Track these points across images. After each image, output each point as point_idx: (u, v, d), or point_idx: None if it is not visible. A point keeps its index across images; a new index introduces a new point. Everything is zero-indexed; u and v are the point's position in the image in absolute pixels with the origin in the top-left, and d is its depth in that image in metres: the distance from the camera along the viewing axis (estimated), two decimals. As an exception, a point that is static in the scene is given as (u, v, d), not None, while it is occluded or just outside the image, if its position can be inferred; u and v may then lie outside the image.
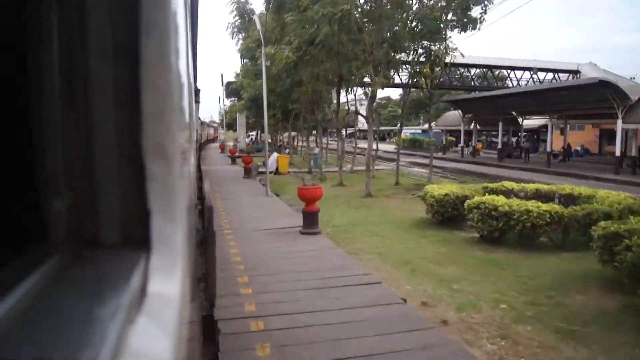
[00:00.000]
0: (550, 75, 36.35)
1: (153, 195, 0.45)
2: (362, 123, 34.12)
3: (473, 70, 36.70)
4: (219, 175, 17.14)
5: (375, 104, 17.08)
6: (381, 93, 31.06)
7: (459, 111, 32.59)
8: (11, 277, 0.35)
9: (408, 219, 9.79)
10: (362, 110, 21.25)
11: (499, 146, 30.89)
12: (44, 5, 0.43)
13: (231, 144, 37.70)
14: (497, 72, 37.15)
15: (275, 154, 19.87)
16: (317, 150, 22.19)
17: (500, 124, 31.09)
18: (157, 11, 0.46)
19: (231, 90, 33.35)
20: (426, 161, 22.21)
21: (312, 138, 32.92)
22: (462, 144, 35.14)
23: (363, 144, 35.21)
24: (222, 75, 32.57)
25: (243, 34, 24.47)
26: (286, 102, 21.21)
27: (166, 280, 0.44)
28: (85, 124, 0.44)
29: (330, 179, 17.01)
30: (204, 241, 3.73)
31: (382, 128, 68.26)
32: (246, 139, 50.63)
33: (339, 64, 13.87)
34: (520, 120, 31.64)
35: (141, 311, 0.38)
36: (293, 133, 38.26)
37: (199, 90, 9.61)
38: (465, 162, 28.66)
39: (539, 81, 36.30)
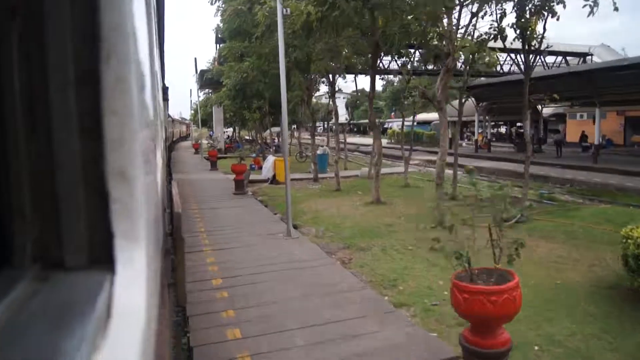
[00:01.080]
0: (556, 61, 35.83)
1: (116, 218, 0.56)
2: (341, 116, 33.58)
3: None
4: (199, 190, 15.15)
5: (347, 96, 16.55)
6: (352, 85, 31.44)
7: (472, 99, 31.54)
8: None
9: (570, 285, 6.28)
10: (340, 103, 20.89)
11: (515, 138, 31.18)
12: (4, 39, 0.52)
13: (205, 142, 37.95)
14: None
15: (271, 158, 18.20)
16: (322, 150, 20.65)
17: (528, 113, 31.00)
18: (117, 37, 0.56)
19: (206, 80, 32.45)
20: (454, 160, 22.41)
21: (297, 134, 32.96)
22: (475, 136, 35.49)
23: (350, 139, 34.53)
24: (195, 60, 32.29)
25: None
26: (279, 90, 20.69)
27: (131, 301, 0.54)
28: (48, 151, 0.54)
29: (347, 188, 15.38)
30: (174, 247, 4.14)
31: (361, 121, 70.10)
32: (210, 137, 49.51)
33: (385, 22, 11.37)
34: (540, 108, 31.19)
35: (107, 336, 0.47)
36: (275, 129, 37.70)
37: (167, 88, 10.56)
38: (485, 157, 27.96)
39: (547, 66, 35.74)
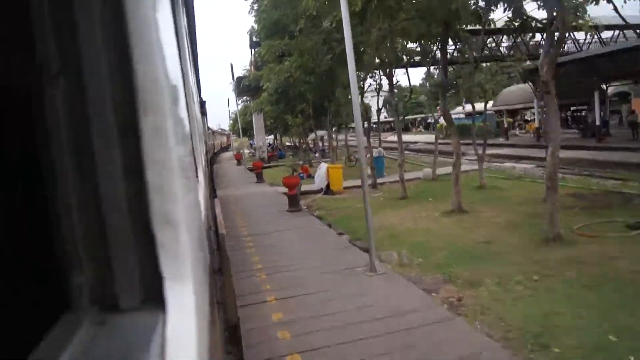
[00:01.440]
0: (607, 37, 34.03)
1: (164, 260, 0.60)
2: (381, 115, 32.13)
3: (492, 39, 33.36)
4: (247, 208, 13.38)
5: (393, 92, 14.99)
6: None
7: (530, 84, 29.42)
8: (47, 355, 0.50)
9: None
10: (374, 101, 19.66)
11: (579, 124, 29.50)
12: (50, 95, 0.58)
13: (247, 151, 36.88)
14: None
15: (324, 165, 16.38)
16: (377, 152, 18.48)
17: (597, 95, 28.38)
18: (151, 92, 0.61)
19: (243, 87, 31.31)
20: (502, 151, 21.28)
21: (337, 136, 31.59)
22: (536, 124, 33.53)
23: (392, 137, 33.41)
24: (231, 66, 31.53)
25: None
26: (324, 91, 18.94)
27: (183, 340, 0.60)
28: (97, 199, 0.58)
29: (414, 194, 13.69)
30: (220, 267, 4.31)
31: (406, 117, 69.00)
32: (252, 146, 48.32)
33: None
34: (605, 87, 29.11)
35: None
36: (321, 133, 36.46)
37: (204, 102, 10.89)
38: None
39: (603, 43, 33.08)
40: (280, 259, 7.59)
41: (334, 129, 27.90)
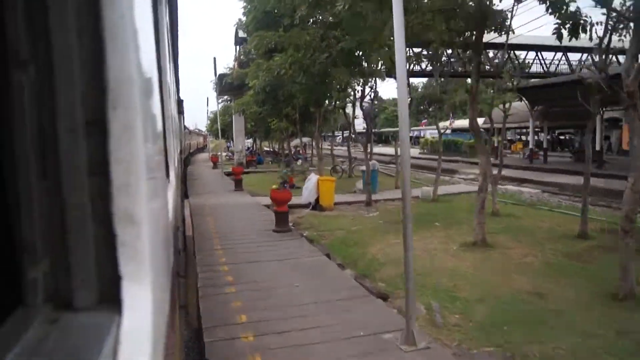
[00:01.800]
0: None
1: (124, 261, 0.58)
2: (358, 125, 31.75)
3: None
4: (225, 224, 11.26)
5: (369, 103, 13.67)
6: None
7: (526, 102, 28.56)
8: None
9: None
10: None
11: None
12: (18, 86, 0.56)
13: (224, 154, 35.06)
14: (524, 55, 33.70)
15: (314, 177, 14.33)
16: (371, 164, 15.74)
17: (598, 119, 27.14)
18: (123, 87, 0.60)
19: (225, 85, 29.22)
20: (515, 174, 19.82)
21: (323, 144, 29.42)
22: (531, 145, 32.75)
23: (376, 149, 31.23)
24: (214, 60, 28.98)
25: None
26: (316, 93, 17.52)
27: (136, 345, 0.58)
28: (59, 194, 0.57)
29: (416, 216, 9.63)
30: (185, 268, 4.24)
31: (382, 130, 68.17)
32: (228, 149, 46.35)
33: None
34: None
35: None
36: (305, 139, 35.17)
37: (182, 100, 10.43)
38: (547, 170, 24.69)
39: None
40: (273, 312, 5.53)
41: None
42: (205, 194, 17.42)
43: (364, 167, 15.56)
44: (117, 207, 0.58)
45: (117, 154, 0.59)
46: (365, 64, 13.37)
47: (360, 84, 15.61)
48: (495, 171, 12.23)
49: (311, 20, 13.39)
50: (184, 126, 24.96)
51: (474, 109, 9.05)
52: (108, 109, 0.58)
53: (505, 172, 17.58)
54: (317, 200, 13.77)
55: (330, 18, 11.16)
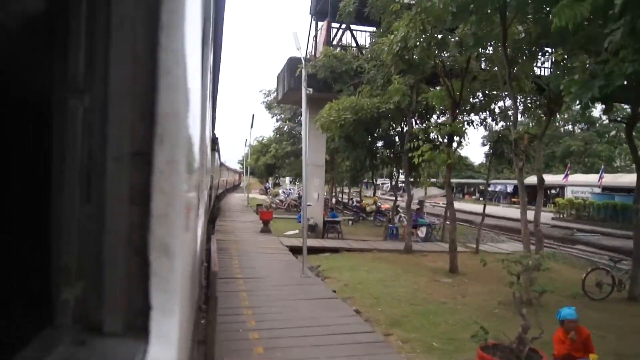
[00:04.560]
0: None
1: (155, 291, 0.60)
2: None
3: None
4: None
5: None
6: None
7: None
8: None
9: None
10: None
11: None
12: (73, 113, 0.60)
13: (265, 198, 28.81)
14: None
15: None
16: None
17: None
18: (170, 123, 0.63)
19: (295, 82, 15.10)
20: None
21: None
22: None
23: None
24: (295, 36, 17.64)
25: None
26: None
27: None
28: (100, 220, 0.59)
29: None
30: (206, 304, 4.37)
31: (459, 180, 49.76)
32: (283, 193, 35.73)
33: None
34: None
35: None
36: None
37: (217, 138, 10.71)
38: None
39: None
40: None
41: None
42: (261, 290, 9.37)
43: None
44: (154, 237, 0.60)
45: (159, 186, 0.61)
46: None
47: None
48: None
49: None
50: (220, 162, 22.33)
51: None
52: (155, 142, 0.60)
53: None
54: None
55: None
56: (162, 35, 0.61)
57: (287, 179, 42.86)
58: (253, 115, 28.89)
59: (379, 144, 18.90)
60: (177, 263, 0.64)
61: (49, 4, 0.68)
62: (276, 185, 56.32)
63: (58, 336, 0.57)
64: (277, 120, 33.33)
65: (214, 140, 9.96)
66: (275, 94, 22.87)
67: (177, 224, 0.65)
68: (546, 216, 23.84)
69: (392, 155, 18.68)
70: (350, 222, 22.84)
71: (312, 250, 13.52)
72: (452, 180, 14.92)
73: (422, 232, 17.76)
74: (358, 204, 28.25)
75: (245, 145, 37.92)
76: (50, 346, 0.55)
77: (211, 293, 4.34)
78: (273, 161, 33.97)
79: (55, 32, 0.64)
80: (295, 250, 13.36)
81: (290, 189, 42.41)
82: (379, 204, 26.64)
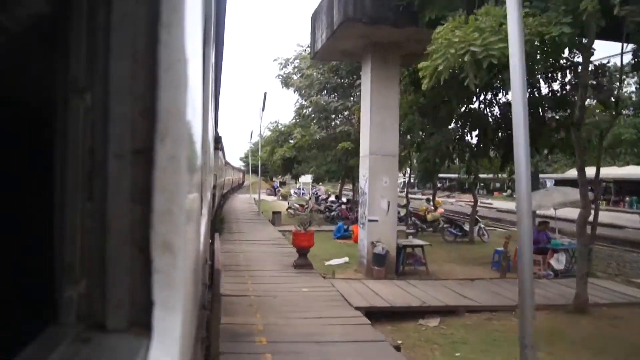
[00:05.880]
0: None
1: (157, 287, 0.60)
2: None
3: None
4: None
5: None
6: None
7: None
8: None
9: None
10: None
11: None
12: (74, 111, 0.61)
13: (306, 196, 22.40)
14: None
15: None
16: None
17: None
18: (172, 120, 0.63)
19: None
20: None
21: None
22: None
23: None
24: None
25: None
26: None
27: None
28: (102, 218, 0.60)
29: None
30: (211, 301, 4.32)
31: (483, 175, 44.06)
32: (295, 194, 32.68)
33: None
34: None
35: None
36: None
37: (220, 137, 10.82)
38: None
39: None
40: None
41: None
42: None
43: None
44: (156, 234, 0.61)
45: (160, 183, 0.61)
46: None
47: None
48: None
49: None
50: (225, 161, 21.32)
51: None
52: (156, 140, 0.61)
53: None
54: None
55: None
56: (162, 32, 0.61)
57: (305, 178, 31.15)
58: (265, 93, 22.12)
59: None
60: (179, 260, 0.65)
61: (50, 3, 0.69)
62: (282, 184, 53.31)
63: (62, 333, 0.58)
64: (314, 81, 21.82)
65: (217, 139, 10.11)
66: (308, 48, 16.39)
67: (179, 221, 0.65)
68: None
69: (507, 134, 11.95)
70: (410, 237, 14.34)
71: (398, 315, 7.90)
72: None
73: (558, 260, 11.87)
74: (413, 211, 21.20)
75: (251, 137, 32.59)
76: (55, 343, 0.55)
77: (214, 291, 4.36)
78: (293, 154, 24.92)
79: (56, 31, 0.64)
80: (372, 314, 7.70)
81: (302, 189, 35.85)
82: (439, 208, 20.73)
